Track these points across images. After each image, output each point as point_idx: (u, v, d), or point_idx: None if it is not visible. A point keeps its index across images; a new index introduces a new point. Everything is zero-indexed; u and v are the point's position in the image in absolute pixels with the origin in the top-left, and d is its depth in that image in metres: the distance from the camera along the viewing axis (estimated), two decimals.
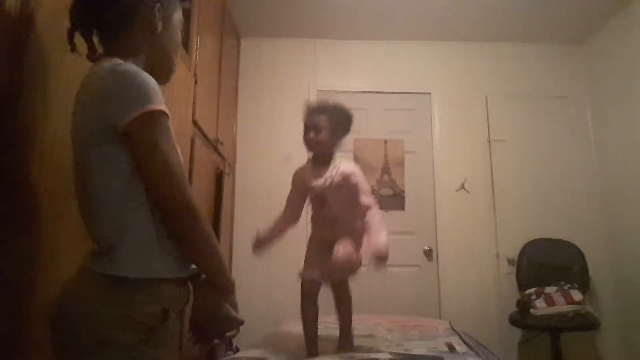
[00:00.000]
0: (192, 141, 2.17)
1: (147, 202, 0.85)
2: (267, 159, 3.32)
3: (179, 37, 1.06)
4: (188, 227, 0.87)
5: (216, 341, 0.99)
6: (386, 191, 3.29)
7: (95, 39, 0.96)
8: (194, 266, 0.94)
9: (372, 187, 3.30)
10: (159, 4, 0.96)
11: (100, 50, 0.96)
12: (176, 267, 0.89)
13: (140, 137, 0.83)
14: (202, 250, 0.91)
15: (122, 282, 0.81)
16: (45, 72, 1.06)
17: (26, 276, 0.99)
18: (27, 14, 1.00)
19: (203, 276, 0.96)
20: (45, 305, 0.86)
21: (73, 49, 0.95)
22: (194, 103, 2.20)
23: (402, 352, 1.87)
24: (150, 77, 0.87)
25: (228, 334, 0.99)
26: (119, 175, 0.84)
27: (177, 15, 1.05)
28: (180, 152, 1.00)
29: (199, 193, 2.26)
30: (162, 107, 0.85)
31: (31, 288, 0.99)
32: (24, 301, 0.97)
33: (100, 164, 0.85)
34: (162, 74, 1.05)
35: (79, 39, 0.95)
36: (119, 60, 0.87)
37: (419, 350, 1.92)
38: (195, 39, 2.23)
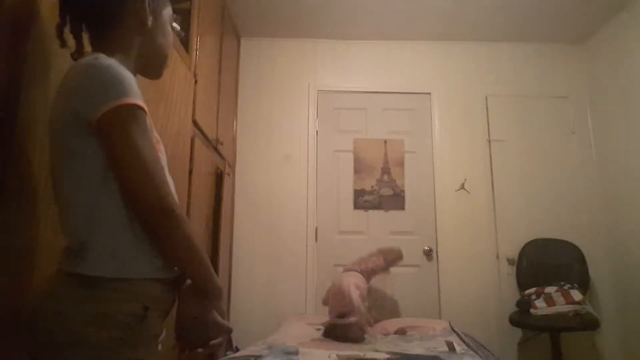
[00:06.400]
0: (192, 141, 2.17)
1: (122, 199, 0.82)
2: (267, 159, 3.33)
3: (170, 33, 1.05)
4: (164, 229, 0.82)
5: (200, 350, 0.92)
6: (386, 191, 3.29)
7: (85, 35, 0.96)
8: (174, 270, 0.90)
9: (372, 187, 3.30)
10: None
11: (88, 48, 0.95)
12: (156, 267, 0.85)
13: (112, 130, 0.80)
14: (182, 253, 0.86)
15: (95, 281, 0.78)
16: (45, 72, 1.06)
17: (24, 275, 0.99)
18: (28, 14, 1.00)
19: (189, 280, 0.92)
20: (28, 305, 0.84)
21: (63, 44, 0.94)
22: (194, 103, 2.20)
23: (401, 351, 1.87)
24: (127, 71, 0.85)
25: (213, 342, 0.92)
26: (92, 171, 0.81)
27: (168, 11, 1.04)
28: (163, 150, 0.98)
29: (199, 193, 2.27)
30: (137, 101, 0.82)
31: (28, 287, 0.99)
32: (20, 299, 0.97)
33: (72, 158, 0.82)
34: (155, 68, 1.04)
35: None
36: (97, 55, 0.85)
37: (418, 350, 1.92)
38: (195, 39, 2.24)
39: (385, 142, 3.37)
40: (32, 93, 1.01)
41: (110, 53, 0.88)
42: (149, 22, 0.96)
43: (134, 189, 0.81)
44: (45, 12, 1.05)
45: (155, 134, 0.96)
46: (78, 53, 0.95)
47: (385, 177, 3.32)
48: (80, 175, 0.82)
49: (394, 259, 2.76)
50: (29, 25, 1.01)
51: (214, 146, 2.62)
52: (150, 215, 0.81)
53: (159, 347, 0.89)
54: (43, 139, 1.04)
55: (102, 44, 0.93)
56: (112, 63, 0.83)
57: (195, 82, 2.23)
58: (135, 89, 0.83)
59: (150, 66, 1.03)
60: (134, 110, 0.82)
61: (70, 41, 0.96)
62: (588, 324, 2.63)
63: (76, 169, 0.82)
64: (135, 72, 0.98)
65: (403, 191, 3.30)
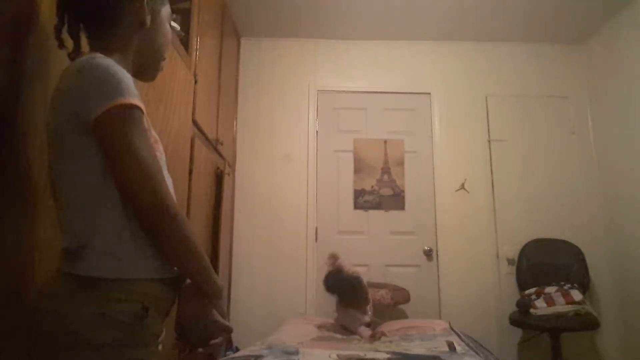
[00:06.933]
0: (192, 141, 2.17)
1: (121, 199, 0.82)
2: (267, 159, 3.33)
3: (168, 32, 1.04)
4: (162, 229, 0.82)
5: (200, 350, 0.92)
6: (386, 191, 3.29)
7: (83, 35, 0.96)
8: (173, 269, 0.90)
9: (372, 187, 3.30)
10: None
11: (86, 48, 0.95)
12: (155, 267, 0.85)
13: (109, 130, 0.79)
14: (181, 253, 0.86)
15: (95, 281, 0.78)
16: (46, 72, 1.06)
17: (25, 276, 0.99)
18: (28, 14, 1.00)
19: (188, 280, 0.92)
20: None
21: (61, 45, 0.94)
22: (194, 103, 2.19)
23: (402, 351, 1.87)
24: (124, 71, 0.84)
25: (213, 341, 0.92)
26: (90, 172, 0.81)
27: (166, 10, 1.03)
28: (162, 150, 0.98)
29: (199, 193, 2.27)
30: (134, 100, 0.82)
31: (29, 288, 0.99)
32: (21, 300, 0.97)
33: (71, 159, 0.82)
34: (150, 69, 1.03)
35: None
36: (94, 54, 0.85)
37: (419, 350, 1.92)
38: (195, 39, 2.24)
39: (385, 142, 3.37)
40: (32, 93, 1.01)
41: (108, 52, 0.88)
42: (148, 21, 0.96)
43: (131, 189, 0.80)
44: (45, 12, 1.05)
45: (154, 133, 0.96)
46: (75, 53, 0.95)
47: (385, 177, 3.32)
48: (79, 176, 0.82)
49: (400, 300, 2.78)
50: (29, 25, 1.01)
51: (214, 146, 2.62)
52: (149, 215, 0.81)
53: (159, 347, 0.89)
54: (43, 139, 1.04)
55: (100, 44, 0.93)
56: (109, 63, 0.82)
57: (195, 82, 2.23)
58: (132, 89, 0.83)
59: (146, 66, 1.02)
60: (131, 110, 0.81)
61: (69, 42, 0.96)
62: (588, 324, 2.63)
63: (75, 170, 0.82)
64: (132, 72, 0.98)
65: (403, 191, 3.30)
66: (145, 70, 1.02)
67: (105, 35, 0.94)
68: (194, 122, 2.22)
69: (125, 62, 0.92)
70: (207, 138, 2.46)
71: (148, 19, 0.96)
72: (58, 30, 0.93)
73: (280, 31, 3.39)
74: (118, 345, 0.76)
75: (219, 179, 2.68)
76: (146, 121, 0.88)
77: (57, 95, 0.85)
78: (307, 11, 3.11)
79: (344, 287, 2.39)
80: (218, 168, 2.69)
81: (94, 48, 0.94)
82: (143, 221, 0.82)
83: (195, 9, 2.22)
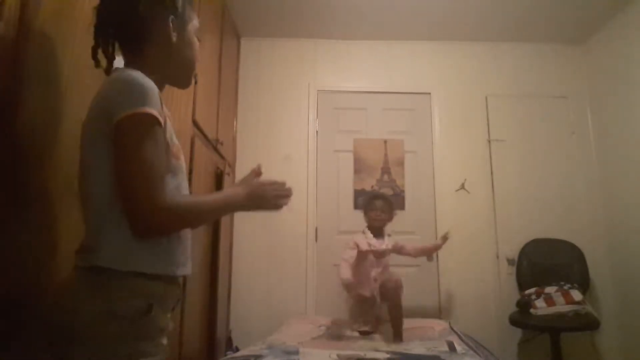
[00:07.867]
0: (192, 141, 2.17)
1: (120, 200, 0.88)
2: (267, 159, 3.32)
3: (196, 44, 1.13)
4: (160, 231, 0.91)
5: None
6: (386, 191, 3.29)
7: (117, 54, 1.04)
8: (188, 267, 1.00)
9: (372, 187, 3.30)
10: (172, 17, 1.04)
11: (120, 63, 1.03)
12: (165, 264, 0.93)
13: (125, 134, 0.86)
14: (199, 224, 1.10)
15: (105, 273, 0.84)
16: (46, 72, 1.06)
17: (26, 276, 0.99)
18: (28, 14, 1.00)
19: None
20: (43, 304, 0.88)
21: (97, 64, 1.01)
22: (194, 103, 2.20)
23: (402, 351, 1.87)
24: (153, 84, 0.91)
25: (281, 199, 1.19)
26: (110, 171, 0.88)
27: (193, 24, 1.12)
28: (183, 159, 1.06)
29: (199, 193, 2.26)
30: (152, 111, 0.88)
31: (31, 288, 0.99)
32: (23, 301, 0.97)
33: (96, 159, 0.89)
34: (182, 78, 1.13)
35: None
36: (130, 69, 0.94)
37: (419, 350, 1.92)
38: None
39: (385, 142, 3.37)
40: (32, 93, 1.01)
41: (140, 67, 0.96)
42: (174, 39, 1.04)
43: (128, 192, 0.86)
44: (45, 13, 1.05)
45: (176, 142, 1.03)
46: (109, 69, 1.03)
47: (385, 177, 3.32)
48: (101, 174, 0.88)
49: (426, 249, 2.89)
50: (30, 25, 1.01)
51: (214, 146, 2.62)
52: (143, 218, 0.86)
53: (164, 340, 0.95)
54: (43, 139, 1.04)
55: (134, 60, 1.01)
56: (142, 76, 0.91)
57: (195, 82, 2.22)
58: (154, 101, 0.90)
59: (179, 76, 1.11)
60: (151, 121, 0.88)
61: (103, 61, 1.03)
62: (588, 324, 2.63)
63: (98, 170, 0.89)
64: (163, 84, 1.06)
65: (403, 191, 3.30)
66: (178, 79, 1.12)
67: (137, 52, 1.02)
68: (194, 122, 2.22)
69: (156, 76, 0.99)
70: (207, 138, 2.46)
71: (174, 35, 1.04)
72: (94, 51, 1.01)
73: (280, 31, 3.39)
74: (125, 339, 0.83)
75: (219, 179, 2.68)
76: (169, 131, 0.96)
77: (95, 97, 0.93)
78: (307, 11, 3.11)
79: (379, 195, 2.92)
80: (218, 168, 2.69)
81: (128, 64, 1.02)
82: (136, 223, 0.86)
83: (195, 9, 2.21)
